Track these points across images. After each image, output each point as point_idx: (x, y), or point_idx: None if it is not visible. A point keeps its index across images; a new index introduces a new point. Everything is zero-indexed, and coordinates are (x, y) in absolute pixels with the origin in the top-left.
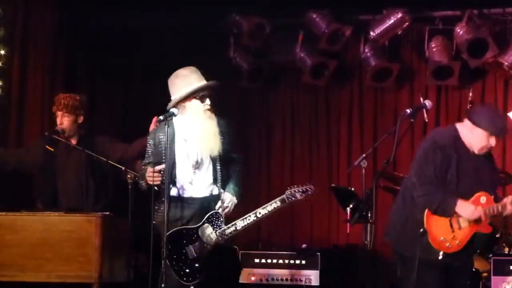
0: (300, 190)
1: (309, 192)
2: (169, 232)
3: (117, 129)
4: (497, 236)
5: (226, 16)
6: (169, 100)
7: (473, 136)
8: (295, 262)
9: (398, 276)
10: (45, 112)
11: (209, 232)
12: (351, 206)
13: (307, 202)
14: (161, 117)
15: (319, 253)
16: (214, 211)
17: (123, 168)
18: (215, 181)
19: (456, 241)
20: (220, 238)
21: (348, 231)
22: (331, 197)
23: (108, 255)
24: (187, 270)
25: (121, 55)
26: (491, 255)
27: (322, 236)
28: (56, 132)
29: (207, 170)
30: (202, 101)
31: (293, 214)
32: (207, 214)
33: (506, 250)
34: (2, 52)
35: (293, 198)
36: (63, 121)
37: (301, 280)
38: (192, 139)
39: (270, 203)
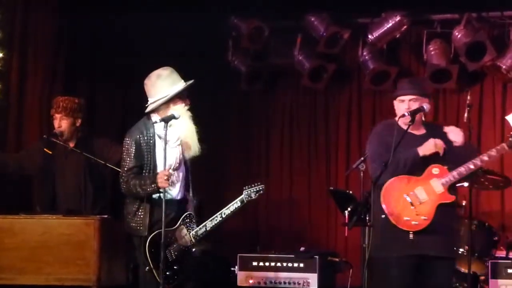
0: (255, 190)
1: (261, 192)
2: (150, 236)
3: (117, 131)
4: (495, 239)
5: (225, 19)
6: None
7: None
8: (293, 265)
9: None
10: (44, 114)
11: (184, 234)
12: (349, 209)
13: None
14: (158, 120)
15: (317, 256)
16: (188, 212)
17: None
18: (186, 183)
19: (421, 216)
20: (193, 240)
21: (346, 234)
22: (329, 200)
23: (106, 258)
24: (168, 273)
25: (121, 57)
26: (488, 258)
27: (321, 239)
28: (54, 135)
29: (183, 172)
30: (185, 101)
31: (292, 217)
32: (182, 216)
33: (504, 253)
34: (1, 54)
35: (250, 198)
36: (62, 123)
37: (299, 283)
38: (175, 140)
39: (231, 203)
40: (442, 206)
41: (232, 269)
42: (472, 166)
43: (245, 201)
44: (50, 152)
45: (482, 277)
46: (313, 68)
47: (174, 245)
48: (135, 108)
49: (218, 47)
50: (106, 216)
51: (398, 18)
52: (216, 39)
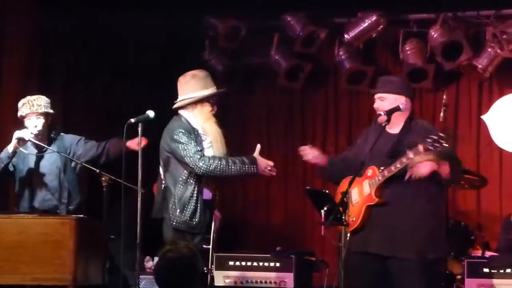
0: None
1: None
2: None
3: (91, 130)
4: (471, 238)
5: (202, 19)
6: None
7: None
8: (269, 264)
9: None
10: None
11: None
12: (325, 208)
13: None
14: (132, 120)
15: (293, 256)
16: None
17: (97, 170)
18: None
19: (351, 217)
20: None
21: (322, 233)
22: (306, 200)
23: (82, 258)
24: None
25: (97, 56)
26: (464, 257)
27: (297, 238)
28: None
29: None
30: (212, 106)
31: (268, 217)
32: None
33: (480, 252)
34: None
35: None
36: (37, 123)
37: (275, 283)
38: (207, 142)
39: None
40: (380, 206)
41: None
42: (393, 168)
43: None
44: (26, 151)
45: (459, 276)
46: (290, 67)
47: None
48: (111, 109)
49: (195, 46)
50: (82, 215)
51: (374, 18)
52: (193, 39)
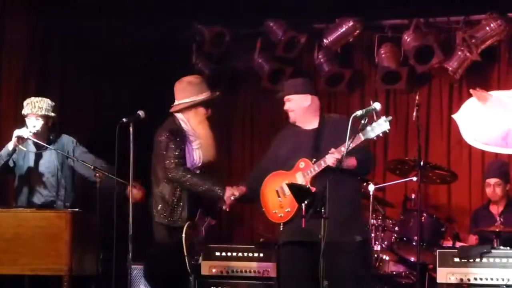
0: None
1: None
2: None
3: (86, 131)
4: (442, 230)
5: (189, 25)
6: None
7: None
8: (253, 255)
9: None
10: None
11: (199, 230)
12: (306, 202)
13: None
14: (124, 120)
15: (276, 246)
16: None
17: (92, 167)
18: None
19: (285, 208)
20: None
21: (303, 226)
22: None
23: (78, 250)
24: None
25: (92, 59)
26: (436, 248)
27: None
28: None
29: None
30: (206, 109)
31: (252, 211)
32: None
33: (451, 243)
34: None
35: None
36: (37, 123)
37: (259, 272)
38: (196, 143)
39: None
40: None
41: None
42: (327, 159)
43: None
44: (25, 149)
45: (430, 266)
46: (272, 70)
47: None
48: (106, 109)
49: (183, 51)
50: (77, 209)
51: (351, 24)
52: (181, 44)
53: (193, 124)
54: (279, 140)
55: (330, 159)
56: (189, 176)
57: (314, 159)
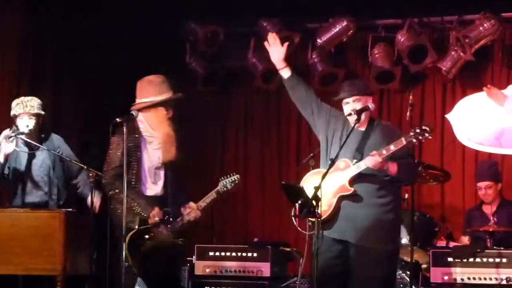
0: (230, 180)
1: (237, 182)
2: (130, 233)
3: (79, 131)
4: (435, 229)
5: (183, 24)
6: (133, 101)
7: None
8: (247, 254)
9: None
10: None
11: (161, 229)
12: (299, 202)
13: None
14: (118, 119)
15: (269, 246)
16: (164, 209)
17: (85, 167)
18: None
19: (322, 207)
20: (171, 233)
21: (297, 225)
22: (281, 194)
23: (71, 249)
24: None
25: (85, 60)
26: (429, 247)
27: (273, 230)
28: (21, 133)
29: (163, 172)
30: (167, 110)
31: (246, 210)
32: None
33: (444, 243)
34: None
35: (225, 189)
36: (29, 123)
37: (253, 272)
38: (157, 143)
39: (207, 196)
40: (349, 197)
41: (189, 259)
42: (367, 161)
43: (221, 192)
44: (18, 149)
45: (424, 265)
46: (266, 70)
47: (150, 240)
48: (99, 110)
49: (177, 50)
50: (70, 209)
51: (344, 23)
52: (175, 43)
53: (153, 124)
54: (334, 125)
55: (370, 160)
56: (116, 192)
57: (355, 160)
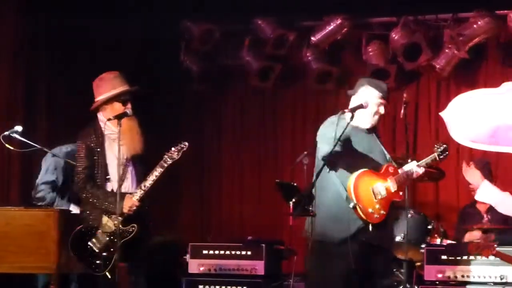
0: (176, 149)
1: (184, 148)
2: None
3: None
4: (429, 227)
5: (178, 23)
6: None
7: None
8: (241, 253)
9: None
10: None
11: (105, 221)
12: (293, 200)
13: (183, 157)
14: (111, 117)
15: (264, 245)
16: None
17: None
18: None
19: (381, 210)
20: (116, 222)
21: (291, 224)
22: (276, 192)
23: (65, 248)
24: (98, 262)
25: (78, 58)
26: (424, 245)
27: (267, 228)
28: (16, 132)
29: (132, 167)
30: (124, 104)
31: (241, 208)
32: None
33: (438, 240)
34: None
35: (171, 160)
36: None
37: (247, 270)
38: (117, 140)
39: (151, 173)
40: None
41: (184, 257)
42: (416, 170)
43: (165, 164)
44: (12, 148)
45: (418, 263)
46: (261, 68)
47: (97, 235)
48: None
49: (172, 48)
50: (65, 208)
51: (339, 21)
52: (170, 41)
53: (113, 121)
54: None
55: (418, 170)
56: (89, 195)
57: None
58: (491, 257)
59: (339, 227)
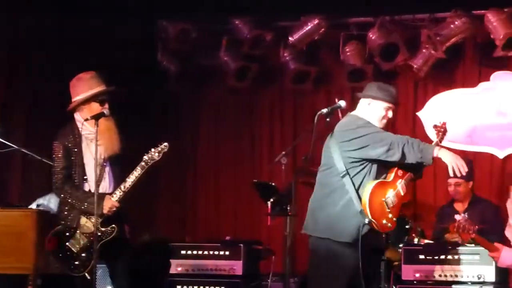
0: (157, 150)
1: (165, 149)
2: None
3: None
4: (407, 227)
5: (155, 22)
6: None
7: (372, 112)
8: (219, 253)
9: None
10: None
11: (84, 222)
12: (272, 200)
13: (164, 159)
14: (88, 117)
15: (241, 244)
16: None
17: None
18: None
19: (393, 218)
20: (95, 223)
21: (269, 224)
22: (253, 192)
23: (43, 248)
24: (76, 263)
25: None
26: (401, 245)
27: (245, 228)
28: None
29: (109, 167)
30: (101, 104)
31: (218, 208)
32: None
33: (416, 240)
34: None
35: (152, 161)
36: None
37: (225, 270)
38: (94, 140)
39: (131, 173)
40: None
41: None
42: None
43: (146, 166)
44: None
45: (396, 263)
46: (238, 68)
47: (76, 236)
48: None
49: (149, 48)
50: (42, 208)
51: (316, 22)
52: (147, 41)
53: (90, 121)
54: None
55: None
56: (66, 197)
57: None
58: (469, 257)
59: (348, 229)
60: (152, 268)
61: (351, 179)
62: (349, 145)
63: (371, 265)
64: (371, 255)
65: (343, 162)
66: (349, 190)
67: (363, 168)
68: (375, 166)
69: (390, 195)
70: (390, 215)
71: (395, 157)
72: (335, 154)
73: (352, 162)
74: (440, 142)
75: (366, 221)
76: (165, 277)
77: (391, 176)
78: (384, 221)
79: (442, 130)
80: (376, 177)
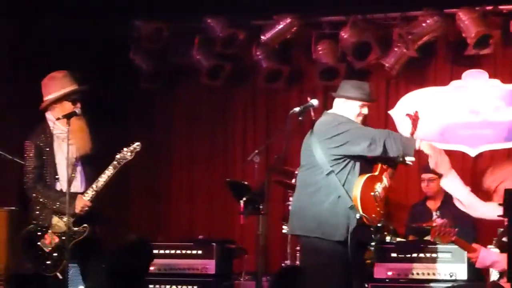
0: (129, 150)
1: (138, 149)
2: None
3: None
4: (379, 225)
5: (127, 21)
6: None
7: (347, 110)
8: (192, 252)
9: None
10: None
11: (56, 222)
12: (244, 198)
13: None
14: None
15: (214, 244)
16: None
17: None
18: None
19: (380, 211)
20: (66, 222)
21: (242, 222)
22: (226, 191)
23: (15, 248)
24: (48, 262)
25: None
26: (373, 243)
27: (219, 227)
28: None
29: (81, 167)
30: (74, 103)
31: (191, 207)
32: None
33: (388, 238)
34: None
35: (124, 160)
36: None
37: (198, 269)
38: (66, 139)
39: (103, 173)
40: None
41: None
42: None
43: (118, 165)
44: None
45: (369, 261)
46: (211, 67)
47: (47, 236)
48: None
49: (121, 47)
50: (13, 208)
51: (288, 20)
52: (119, 40)
53: (62, 120)
54: None
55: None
56: (38, 195)
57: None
58: (441, 255)
59: (338, 227)
60: (135, 268)
61: (336, 176)
62: (332, 142)
63: (357, 259)
64: (358, 248)
65: (326, 160)
66: (335, 187)
67: (346, 165)
68: (358, 162)
69: (378, 189)
70: (378, 209)
71: (377, 151)
72: (317, 152)
73: (335, 159)
74: (415, 129)
75: (358, 216)
76: (145, 277)
77: (377, 170)
78: (374, 215)
79: (415, 118)
80: (360, 173)
